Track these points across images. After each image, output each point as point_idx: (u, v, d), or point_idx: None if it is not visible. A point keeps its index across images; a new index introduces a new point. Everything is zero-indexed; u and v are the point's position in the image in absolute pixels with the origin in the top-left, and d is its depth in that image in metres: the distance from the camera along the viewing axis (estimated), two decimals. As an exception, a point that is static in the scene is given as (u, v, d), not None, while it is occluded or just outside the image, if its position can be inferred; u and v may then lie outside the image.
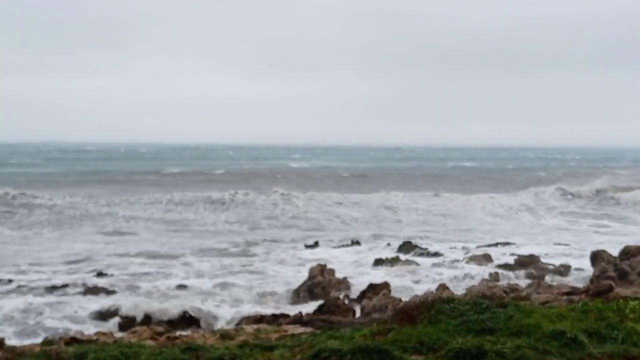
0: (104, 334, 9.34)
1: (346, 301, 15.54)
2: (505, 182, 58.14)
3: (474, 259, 21.32)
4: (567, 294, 14.24)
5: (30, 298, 15.86)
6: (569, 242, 26.52)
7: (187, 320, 14.64)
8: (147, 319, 14.35)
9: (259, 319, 13.87)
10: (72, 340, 8.35)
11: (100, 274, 19.03)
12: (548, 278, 19.38)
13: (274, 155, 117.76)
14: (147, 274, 19.53)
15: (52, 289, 17.01)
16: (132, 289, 17.20)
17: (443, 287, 15.11)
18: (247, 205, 36.73)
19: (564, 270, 20.52)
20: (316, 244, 25.52)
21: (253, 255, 23.17)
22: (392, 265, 20.63)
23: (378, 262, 20.98)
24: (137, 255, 22.58)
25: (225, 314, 15.17)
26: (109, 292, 16.66)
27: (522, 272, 19.61)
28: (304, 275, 17.97)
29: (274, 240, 26.66)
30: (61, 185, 47.27)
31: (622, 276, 17.41)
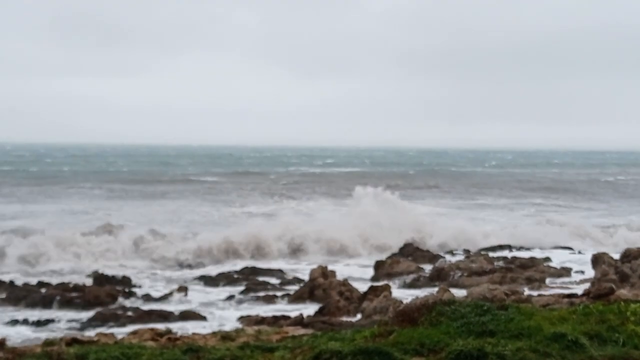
0: (104, 334, 9.34)
1: (347, 303, 15.54)
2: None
3: (474, 262, 21.30)
4: (568, 296, 14.23)
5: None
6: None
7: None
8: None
9: (260, 320, 13.89)
10: (73, 341, 8.35)
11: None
12: (549, 280, 19.38)
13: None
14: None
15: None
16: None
17: (444, 289, 15.09)
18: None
19: (565, 272, 20.52)
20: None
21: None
22: (392, 267, 20.62)
23: (379, 265, 20.96)
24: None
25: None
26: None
27: (523, 275, 19.59)
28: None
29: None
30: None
31: (623, 279, 17.40)
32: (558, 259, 22.83)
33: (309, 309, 15.24)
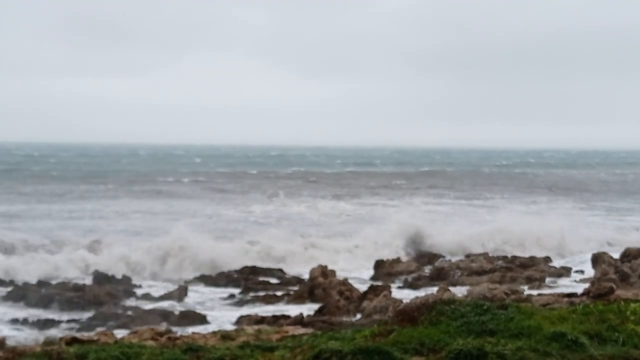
0: (104, 334, 9.34)
1: (347, 302, 15.54)
2: None
3: (474, 261, 21.29)
4: (568, 295, 14.25)
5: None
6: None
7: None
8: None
9: (260, 319, 13.88)
10: (73, 340, 8.35)
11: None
12: (549, 280, 19.38)
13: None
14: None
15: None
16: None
17: (444, 288, 15.10)
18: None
19: (564, 272, 20.51)
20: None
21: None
22: (392, 267, 20.62)
23: (379, 264, 20.94)
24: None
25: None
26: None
27: (523, 274, 19.59)
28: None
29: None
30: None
31: (623, 278, 17.40)
32: (558, 257, 22.83)
33: (308, 309, 15.24)
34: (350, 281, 17.25)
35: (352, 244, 24.31)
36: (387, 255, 22.07)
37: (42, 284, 18.01)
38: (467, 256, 22.85)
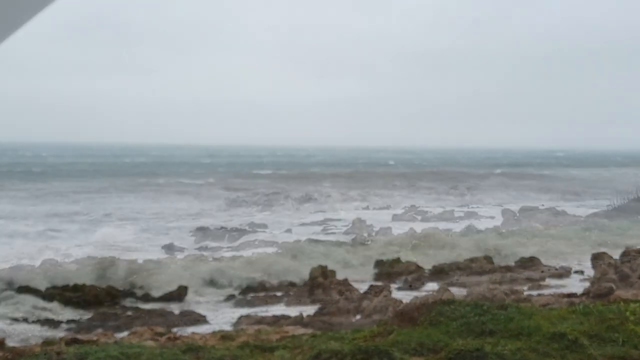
0: (104, 334, 9.35)
1: (347, 302, 15.54)
2: None
3: (474, 261, 21.28)
4: (568, 296, 14.26)
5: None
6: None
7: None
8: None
9: (260, 319, 13.89)
10: (73, 341, 8.36)
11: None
12: (549, 280, 19.38)
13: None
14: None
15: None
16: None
17: (444, 288, 15.12)
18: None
19: (564, 272, 20.51)
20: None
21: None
22: (392, 267, 20.61)
23: (379, 264, 20.94)
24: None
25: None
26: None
27: (522, 274, 19.59)
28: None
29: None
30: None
31: (623, 278, 17.40)
32: (558, 257, 22.79)
33: (308, 309, 15.24)
34: (349, 281, 17.26)
35: (358, 242, 24.30)
36: (392, 255, 22.00)
37: (42, 284, 18.00)
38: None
